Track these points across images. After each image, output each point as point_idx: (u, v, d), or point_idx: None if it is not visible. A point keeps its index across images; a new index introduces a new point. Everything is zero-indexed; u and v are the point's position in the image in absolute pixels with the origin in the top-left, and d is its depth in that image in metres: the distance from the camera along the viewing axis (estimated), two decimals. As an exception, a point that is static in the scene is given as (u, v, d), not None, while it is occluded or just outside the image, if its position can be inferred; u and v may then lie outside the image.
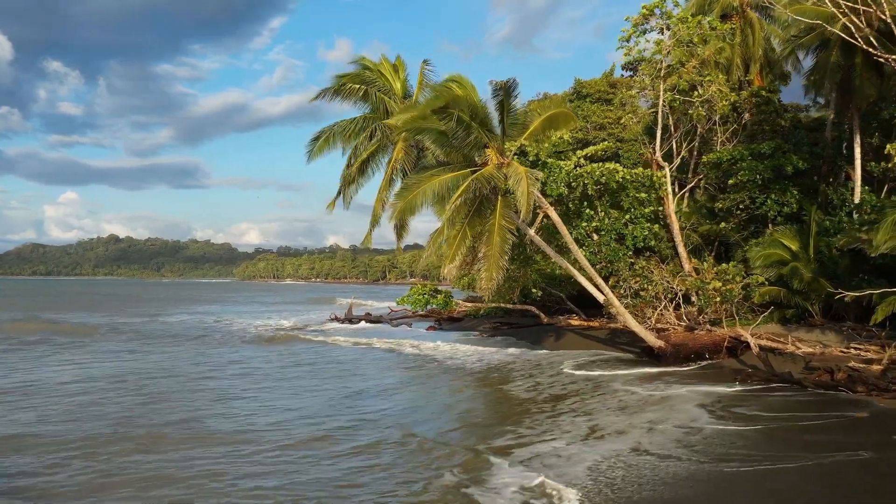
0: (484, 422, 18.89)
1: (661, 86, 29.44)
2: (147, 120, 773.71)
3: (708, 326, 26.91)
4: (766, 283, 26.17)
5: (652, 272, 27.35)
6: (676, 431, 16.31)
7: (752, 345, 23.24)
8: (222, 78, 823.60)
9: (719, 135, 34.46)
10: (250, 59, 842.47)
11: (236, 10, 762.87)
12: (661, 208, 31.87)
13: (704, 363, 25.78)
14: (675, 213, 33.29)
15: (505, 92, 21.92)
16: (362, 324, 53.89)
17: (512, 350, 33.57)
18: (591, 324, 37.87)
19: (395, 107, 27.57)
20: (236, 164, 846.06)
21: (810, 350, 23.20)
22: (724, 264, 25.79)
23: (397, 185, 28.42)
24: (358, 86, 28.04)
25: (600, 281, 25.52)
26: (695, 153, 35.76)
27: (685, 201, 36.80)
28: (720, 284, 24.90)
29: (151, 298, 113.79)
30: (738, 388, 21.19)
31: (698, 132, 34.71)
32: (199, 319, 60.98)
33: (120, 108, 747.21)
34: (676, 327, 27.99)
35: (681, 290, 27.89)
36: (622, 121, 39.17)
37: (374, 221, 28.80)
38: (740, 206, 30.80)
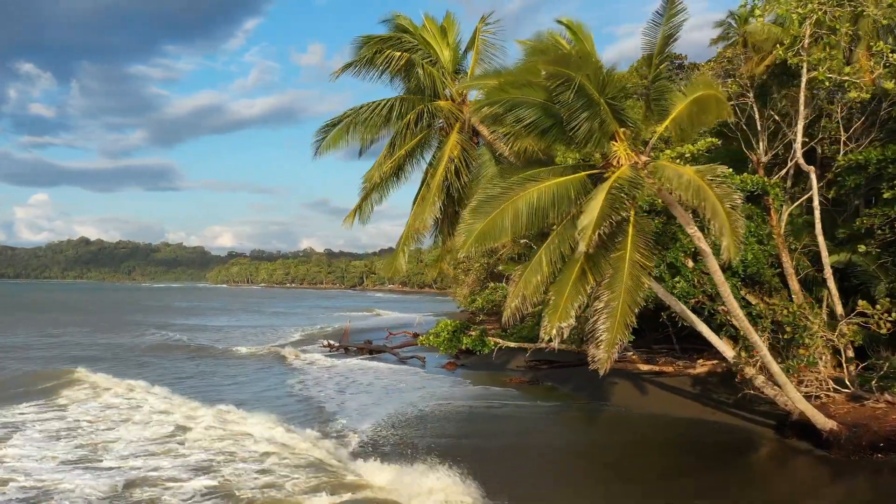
0: None
1: (807, 58, 21.54)
2: (121, 121, 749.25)
3: (887, 397, 18.97)
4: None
5: (808, 318, 19.26)
6: None
7: None
8: (197, 79, 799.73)
9: (841, 132, 26.50)
10: (225, 60, 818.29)
11: (208, 10, 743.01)
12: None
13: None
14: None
15: (658, 49, 13.41)
16: (359, 357, 44.64)
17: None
18: (664, 368, 29.92)
19: (446, 84, 19.08)
20: (210, 167, 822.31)
21: None
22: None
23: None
24: (399, 53, 19.20)
25: (756, 337, 17.21)
26: (797, 154, 27.86)
27: (784, 217, 28.99)
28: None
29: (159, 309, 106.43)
30: None
31: (798, 127, 26.83)
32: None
33: (93, 110, 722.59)
34: (832, 394, 20.08)
35: (841, 344, 20.02)
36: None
37: (408, 242, 20.22)
38: (895, 225, 23.02)
